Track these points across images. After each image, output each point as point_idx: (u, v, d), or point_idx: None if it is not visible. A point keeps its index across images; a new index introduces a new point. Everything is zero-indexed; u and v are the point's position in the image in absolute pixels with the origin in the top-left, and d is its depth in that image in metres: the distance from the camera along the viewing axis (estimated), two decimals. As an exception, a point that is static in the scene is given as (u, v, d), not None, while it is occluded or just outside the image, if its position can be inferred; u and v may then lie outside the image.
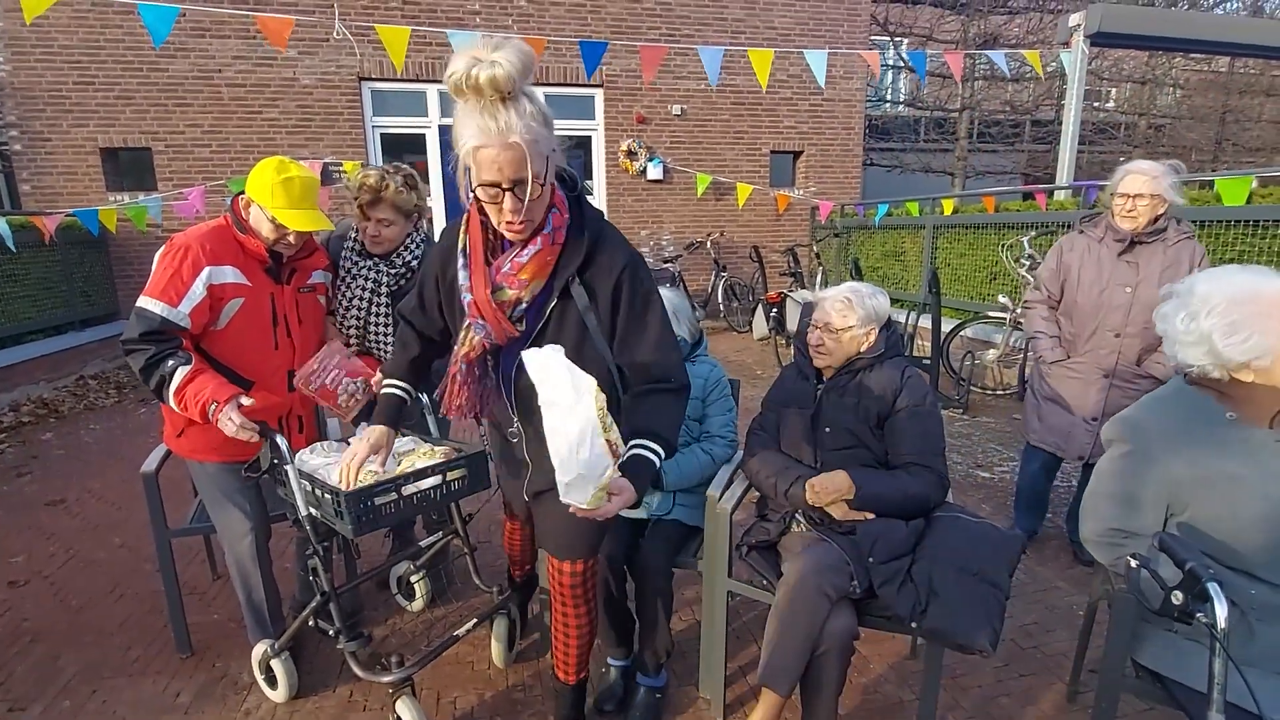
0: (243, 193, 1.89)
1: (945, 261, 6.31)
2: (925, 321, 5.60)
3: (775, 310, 6.72)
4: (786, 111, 8.58)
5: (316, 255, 2.14)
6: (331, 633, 1.88)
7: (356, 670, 1.87)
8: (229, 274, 1.86)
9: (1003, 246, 5.33)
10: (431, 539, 2.22)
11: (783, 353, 6.61)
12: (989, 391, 5.38)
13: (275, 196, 1.81)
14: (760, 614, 2.29)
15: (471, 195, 1.29)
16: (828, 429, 1.84)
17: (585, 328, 1.40)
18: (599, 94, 8.08)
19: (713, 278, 8.40)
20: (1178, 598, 1.14)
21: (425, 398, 2.06)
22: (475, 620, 2.03)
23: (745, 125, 8.50)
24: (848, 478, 1.73)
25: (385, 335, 2.29)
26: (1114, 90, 11.68)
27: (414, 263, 2.29)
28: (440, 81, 7.61)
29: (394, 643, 2.38)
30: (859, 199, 8.75)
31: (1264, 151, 11.19)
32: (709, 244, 8.44)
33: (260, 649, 2.06)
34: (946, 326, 5.55)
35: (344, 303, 2.25)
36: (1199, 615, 1.10)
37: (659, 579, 1.92)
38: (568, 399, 1.15)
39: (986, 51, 6.12)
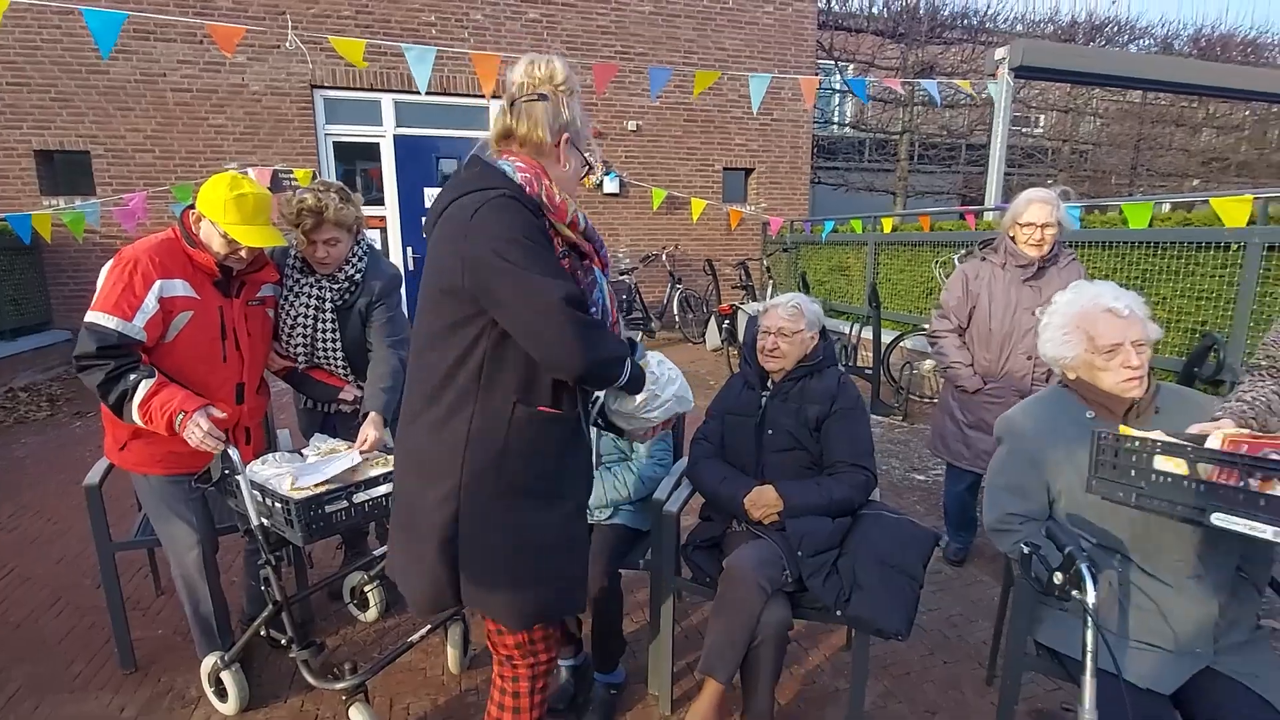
0: (192, 207, 1.92)
1: (886, 277, 6.61)
2: (868, 333, 5.86)
3: (728, 322, 6.91)
4: (737, 130, 8.86)
5: (266, 269, 2.16)
6: (284, 641, 1.91)
7: (309, 679, 1.90)
8: (179, 287, 1.88)
9: (936, 263, 5.64)
10: (385, 548, 2.26)
11: (735, 363, 6.80)
12: (926, 399, 5.66)
13: (228, 212, 1.84)
14: (707, 616, 2.39)
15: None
16: (770, 431, 1.99)
17: None
18: (554, 108, 8.18)
19: (668, 290, 8.57)
20: (1059, 578, 1.30)
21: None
22: (429, 627, 2.08)
23: (698, 142, 8.74)
24: (775, 494, 1.90)
25: (334, 350, 2.31)
26: (1042, 117, 12.42)
27: (357, 276, 2.27)
28: (396, 90, 7.71)
29: (346, 652, 2.39)
30: (807, 215, 9.08)
31: (1174, 177, 12.07)
32: (664, 257, 8.62)
33: (210, 661, 2.06)
34: (887, 338, 5.82)
35: (288, 321, 2.24)
36: (1075, 593, 1.26)
37: (606, 580, 2.01)
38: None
39: (921, 80, 6.48)
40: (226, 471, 1.82)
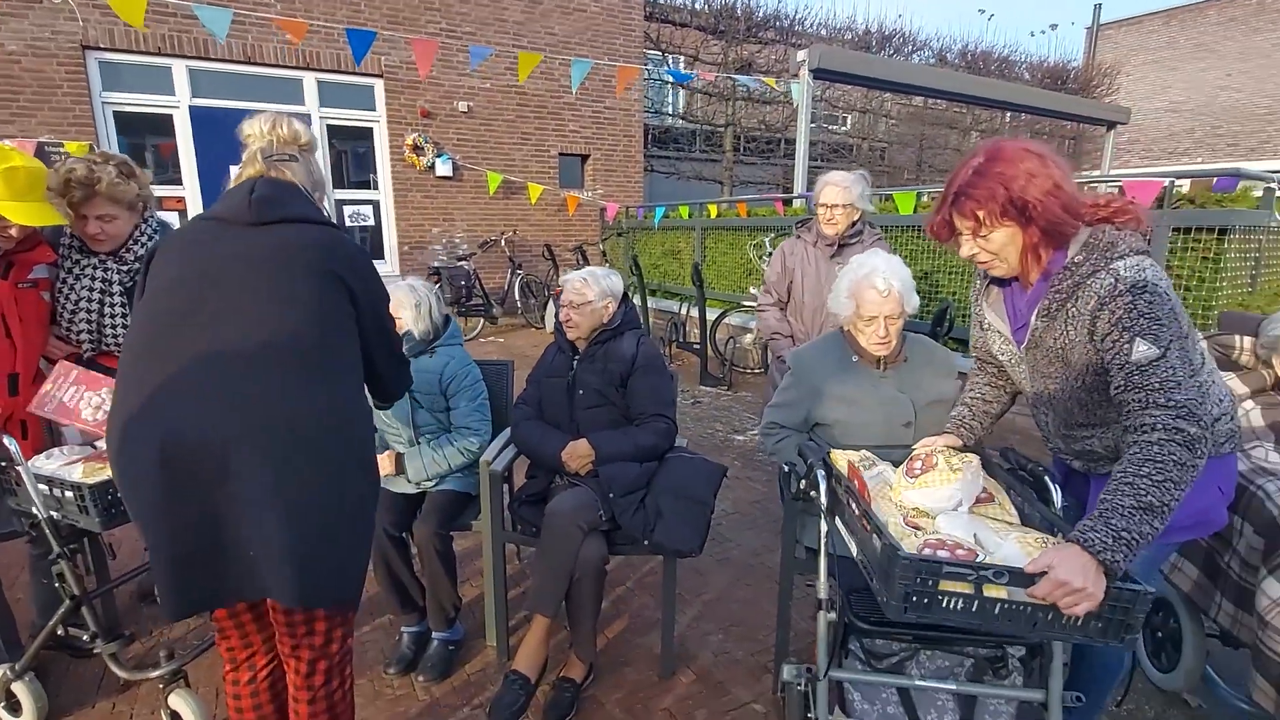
0: (-51, 179, 1.73)
1: (712, 259, 7.15)
2: (696, 312, 6.33)
3: (566, 305, 7.06)
4: (571, 116, 9.01)
5: (39, 249, 1.99)
6: (86, 637, 1.81)
7: (120, 673, 1.83)
8: (-66, 267, 1.70)
9: (751, 245, 6.23)
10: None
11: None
12: (748, 370, 6.25)
13: (-6, 186, 1.70)
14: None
15: None
16: (580, 391, 2.20)
17: None
18: (379, 84, 7.82)
19: (509, 275, 8.57)
20: (804, 484, 1.64)
21: None
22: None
23: (532, 127, 8.78)
24: (588, 446, 2.11)
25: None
26: (849, 117, 13.89)
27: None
28: (190, 56, 6.93)
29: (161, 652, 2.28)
30: (641, 202, 9.49)
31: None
32: (503, 242, 8.60)
33: (-5, 674, 1.89)
34: (712, 316, 6.33)
35: (69, 305, 2.07)
36: (813, 494, 1.60)
37: (437, 542, 2.12)
38: None
39: (736, 75, 7.05)
40: (3, 464, 1.69)
